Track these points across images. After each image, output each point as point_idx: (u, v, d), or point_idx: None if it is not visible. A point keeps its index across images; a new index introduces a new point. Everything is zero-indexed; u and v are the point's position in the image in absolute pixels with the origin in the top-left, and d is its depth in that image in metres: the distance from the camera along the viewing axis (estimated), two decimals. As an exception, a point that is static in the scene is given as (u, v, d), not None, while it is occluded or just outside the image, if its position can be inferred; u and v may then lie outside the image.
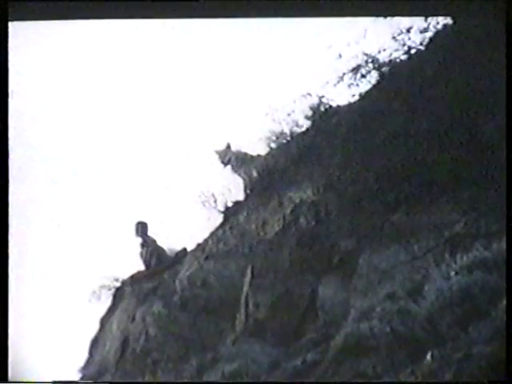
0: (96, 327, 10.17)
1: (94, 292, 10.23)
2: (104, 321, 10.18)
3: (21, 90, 7.26)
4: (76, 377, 9.43)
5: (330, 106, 9.57)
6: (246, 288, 8.36)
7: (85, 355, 9.87)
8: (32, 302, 8.90)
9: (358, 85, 9.00)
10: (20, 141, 7.43)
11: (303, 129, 9.84)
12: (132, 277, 10.27)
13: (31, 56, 8.62)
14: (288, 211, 8.81)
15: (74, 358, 9.56)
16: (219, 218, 10.09)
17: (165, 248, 10.50)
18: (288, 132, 9.95)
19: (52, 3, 6.62)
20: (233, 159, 10.57)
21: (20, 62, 7.08)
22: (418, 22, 8.48)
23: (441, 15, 8.17)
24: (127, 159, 10.75)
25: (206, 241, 9.88)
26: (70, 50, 9.47)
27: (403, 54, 8.65)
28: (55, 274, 9.68)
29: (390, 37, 8.64)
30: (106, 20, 6.93)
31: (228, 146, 10.64)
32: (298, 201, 8.81)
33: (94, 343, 10.03)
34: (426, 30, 8.48)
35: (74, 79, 10.12)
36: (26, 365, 7.66)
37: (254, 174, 10.21)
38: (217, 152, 10.65)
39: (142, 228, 10.47)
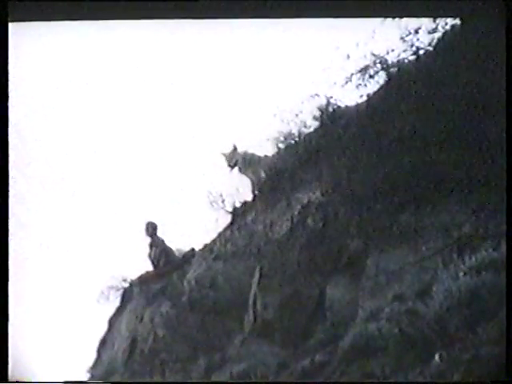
0: (104, 327, 10.19)
1: (103, 292, 10.24)
2: (112, 321, 10.19)
3: (21, 90, 7.27)
4: (84, 377, 9.45)
5: (339, 107, 9.55)
6: (254, 288, 8.36)
7: (93, 355, 9.89)
8: (40, 302, 8.92)
9: (366, 85, 8.99)
10: (22, 140, 7.45)
11: (311, 129, 9.83)
12: (140, 277, 10.28)
13: (31, 56, 8.62)
14: (296, 212, 8.81)
15: (82, 359, 9.58)
16: (227, 219, 10.10)
17: (173, 248, 10.51)
18: (296, 133, 9.94)
19: (52, 3, 6.64)
20: (240, 161, 10.56)
21: (20, 62, 7.09)
22: (426, 22, 8.47)
23: (449, 16, 8.17)
24: (135, 160, 10.77)
25: (214, 241, 9.88)
26: (70, 51, 9.47)
27: (411, 54, 8.64)
28: (63, 273, 9.70)
29: (399, 37, 8.62)
30: (107, 20, 6.95)
31: (235, 149, 10.63)
32: (306, 201, 8.80)
33: (103, 343, 10.04)
34: (434, 31, 8.47)
35: (76, 80, 10.13)
36: (32, 365, 7.69)
37: (262, 174, 10.21)
38: (223, 154, 10.65)
39: (150, 228, 10.48)
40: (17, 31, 6.48)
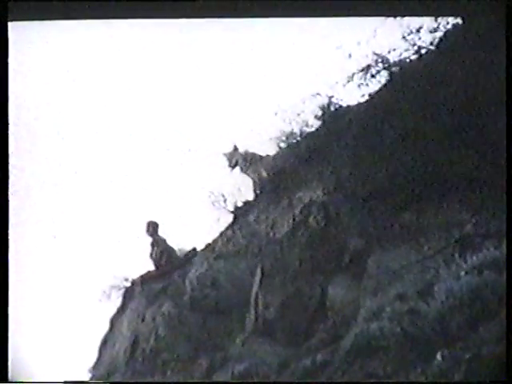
0: (106, 327, 10.19)
1: (105, 292, 10.25)
2: (114, 321, 10.19)
3: (21, 90, 7.27)
4: (86, 376, 9.45)
5: (340, 106, 9.56)
6: (255, 288, 8.36)
7: (95, 355, 9.89)
8: (41, 302, 8.93)
9: (367, 85, 8.99)
10: (22, 140, 7.45)
11: (313, 129, 9.84)
12: (142, 277, 10.28)
13: (31, 56, 8.62)
14: (298, 211, 8.81)
15: (84, 358, 9.58)
16: (229, 218, 10.10)
17: (175, 248, 10.51)
18: (298, 132, 9.95)
19: (52, 3, 6.64)
20: (240, 161, 10.58)
21: (20, 62, 7.09)
22: (427, 21, 8.48)
23: (450, 15, 8.17)
24: (137, 160, 10.77)
25: (215, 241, 9.89)
26: (70, 50, 9.48)
27: (413, 53, 8.64)
28: (65, 273, 9.71)
29: (400, 37, 8.63)
30: (107, 20, 6.94)
31: (235, 149, 10.64)
32: (307, 201, 8.80)
33: (104, 343, 10.04)
34: (435, 30, 8.47)
35: (76, 80, 10.13)
36: (33, 365, 7.69)
37: (264, 174, 10.22)
38: (224, 154, 10.66)
39: (152, 228, 10.47)
40: (17, 31, 6.48)
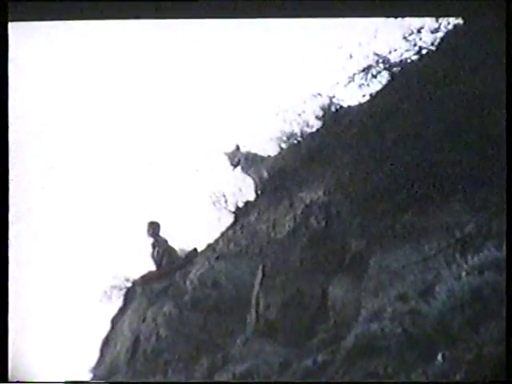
0: (107, 327, 10.18)
1: (105, 292, 10.24)
2: (115, 321, 10.17)
3: (21, 90, 7.27)
4: (87, 377, 9.44)
5: (341, 107, 9.56)
6: (256, 288, 8.35)
7: (96, 355, 9.88)
8: (41, 302, 8.92)
9: (368, 85, 8.99)
10: (22, 141, 7.46)
11: (314, 129, 9.84)
12: (143, 277, 10.27)
13: (31, 56, 8.62)
14: (299, 212, 8.81)
15: (85, 358, 9.57)
16: (230, 219, 10.10)
17: (176, 248, 10.49)
18: (298, 132, 9.96)
19: (52, 3, 6.65)
20: (242, 161, 10.57)
21: (20, 62, 7.10)
22: (428, 22, 8.48)
23: (451, 16, 8.17)
24: (138, 160, 10.77)
25: (216, 241, 9.88)
26: (70, 51, 9.48)
27: (414, 54, 8.64)
28: (66, 274, 9.70)
29: (401, 37, 8.63)
30: (107, 20, 6.95)
31: (237, 148, 10.64)
32: (308, 201, 8.80)
33: (105, 343, 10.03)
34: (436, 31, 8.48)
35: (76, 80, 10.13)
36: (33, 366, 7.69)
37: (265, 174, 10.21)
38: (226, 154, 10.65)
39: (153, 228, 10.46)
40: (17, 31, 6.48)
